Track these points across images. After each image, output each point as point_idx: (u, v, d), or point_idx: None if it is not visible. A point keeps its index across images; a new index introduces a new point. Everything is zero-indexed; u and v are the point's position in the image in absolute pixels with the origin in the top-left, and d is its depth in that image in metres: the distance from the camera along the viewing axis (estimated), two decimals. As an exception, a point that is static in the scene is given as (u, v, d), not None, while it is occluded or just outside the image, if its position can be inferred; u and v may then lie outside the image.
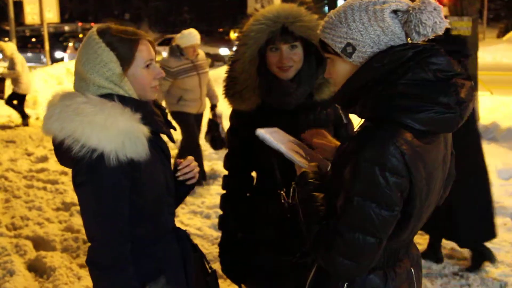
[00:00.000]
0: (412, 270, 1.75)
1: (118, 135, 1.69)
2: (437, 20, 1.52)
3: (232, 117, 2.47)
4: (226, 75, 2.42)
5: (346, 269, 1.53)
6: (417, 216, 1.59)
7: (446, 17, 1.58)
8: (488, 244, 4.49)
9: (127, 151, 1.70)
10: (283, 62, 2.24)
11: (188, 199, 5.62)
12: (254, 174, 2.54)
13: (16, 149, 8.47)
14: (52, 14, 16.26)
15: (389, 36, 1.55)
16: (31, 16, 15.99)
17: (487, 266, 4.14)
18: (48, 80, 13.78)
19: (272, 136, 1.94)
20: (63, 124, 1.70)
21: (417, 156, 1.49)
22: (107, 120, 1.69)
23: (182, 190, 2.06)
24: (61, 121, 1.71)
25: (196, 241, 4.70)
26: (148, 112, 1.84)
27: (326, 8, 45.88)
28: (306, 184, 1.71)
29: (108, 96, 1.78)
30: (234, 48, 2.39)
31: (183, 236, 2.01)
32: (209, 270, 2.13)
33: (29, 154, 8.10)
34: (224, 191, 2.56)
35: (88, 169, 1.70)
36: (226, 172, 2.56)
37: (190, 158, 2.08)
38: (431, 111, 1.47)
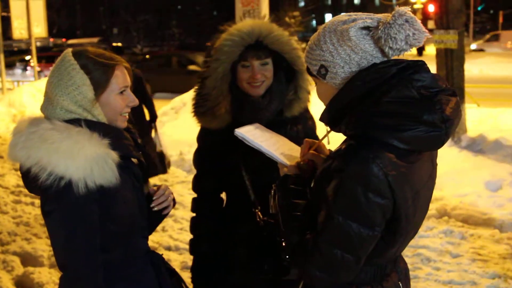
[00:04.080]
0: (400, 284, 1.74)
1: (86, 162, 1.64)
2: (409, 33, 1.47)
3: (202, 136, 2.40)
4: (195, 92, 2.36)
5: (322, 282, 1.55)
6: (404, 234, 1.58)
7: (431, 30, 1.57)
8: (476, 256, 4.52)
9: (96, 178, 1.65)
10: (255, 77, 2.22)
11: (178, 213, 5.60)
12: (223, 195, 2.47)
13: (3, 164, 8.39)
14: (40, 29, 16.19)
15: (360, 55, 1.52)
16: (18, 30, 15.90)
17: (476, 278, 4.16)
18: (36, 95, 13.69)
19: (251, 135, 1.92)
20: (30, 152, 1.65)
21: (402, 176, 1.47)
22: (74, 146, 1.64)
23: (156, 216, 1.99)
24: (27, 148, 1.66)
25: (186, 255, 4.68)
26: (116, 136, 1.77)
27: (314, 22, 46.20)
28: (287, 190, 1.69)
29: (75, 121, 1.72)
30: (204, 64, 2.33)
31: (158, 260, 1.96)
32: None
33: (16, 169, 8.02)
34: (194, 214, 2.47)
35: (56, 198, 1.64)
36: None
37: (164, 186, 2.01)
38: (415, 130, 1.43)
